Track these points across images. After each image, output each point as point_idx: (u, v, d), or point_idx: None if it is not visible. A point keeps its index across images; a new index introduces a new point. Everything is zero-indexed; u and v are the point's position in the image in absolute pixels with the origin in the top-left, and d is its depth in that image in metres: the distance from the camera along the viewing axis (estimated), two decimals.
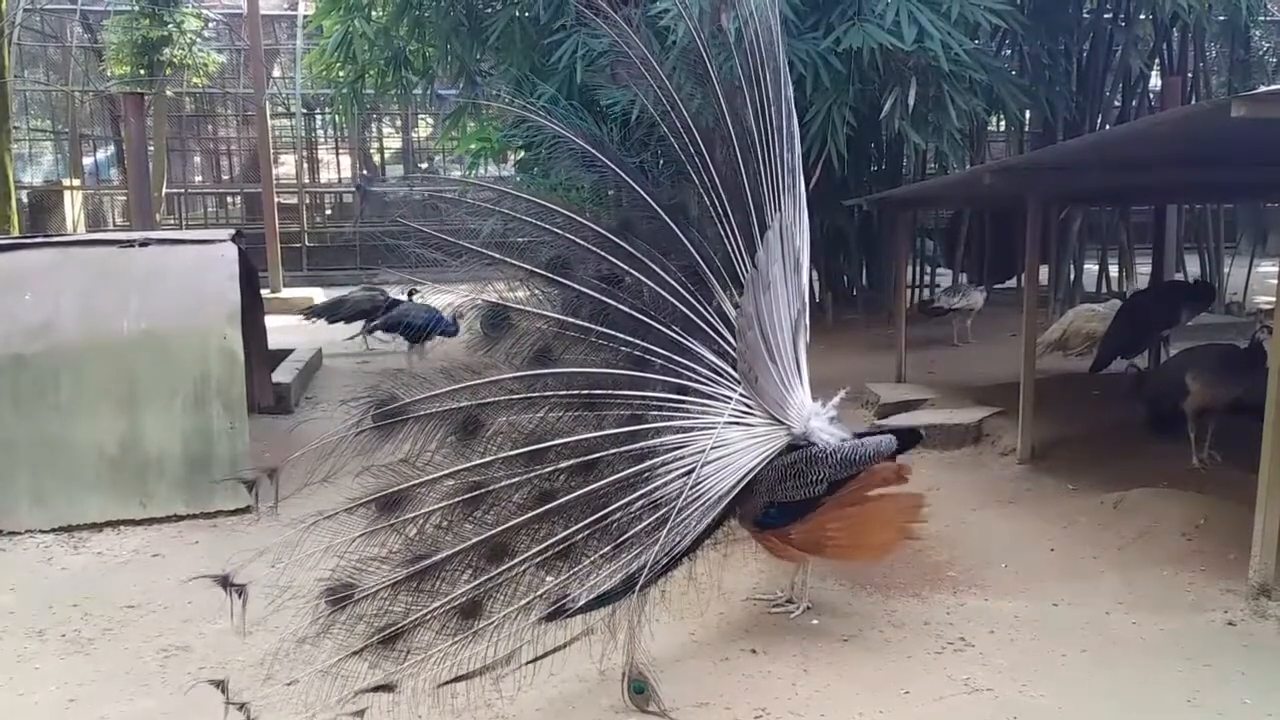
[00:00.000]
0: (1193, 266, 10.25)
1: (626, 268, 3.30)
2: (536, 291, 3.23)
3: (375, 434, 2.86)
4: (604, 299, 3.25)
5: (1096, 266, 11.31)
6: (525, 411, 3.07)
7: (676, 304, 3.32)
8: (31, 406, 4.91)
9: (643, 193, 3.39)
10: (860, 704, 3.05)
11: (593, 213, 3.40)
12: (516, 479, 2.96)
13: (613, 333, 3.23)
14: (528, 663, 2.88)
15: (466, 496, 2.89)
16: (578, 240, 3.28)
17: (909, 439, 3.62)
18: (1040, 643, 3.43)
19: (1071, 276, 10.87)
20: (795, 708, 3.03)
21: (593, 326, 3.23)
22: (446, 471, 2.90)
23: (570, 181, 3.66)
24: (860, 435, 3.46)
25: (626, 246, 3.31)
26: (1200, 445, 5.05)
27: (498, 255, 3.17)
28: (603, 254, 3.29)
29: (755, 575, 3.96)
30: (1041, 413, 5.50)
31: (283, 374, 7.41)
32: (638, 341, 3.24)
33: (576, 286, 3.24)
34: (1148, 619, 3.58)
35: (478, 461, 2.94)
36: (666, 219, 3.38)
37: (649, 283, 3.31)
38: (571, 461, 3.03)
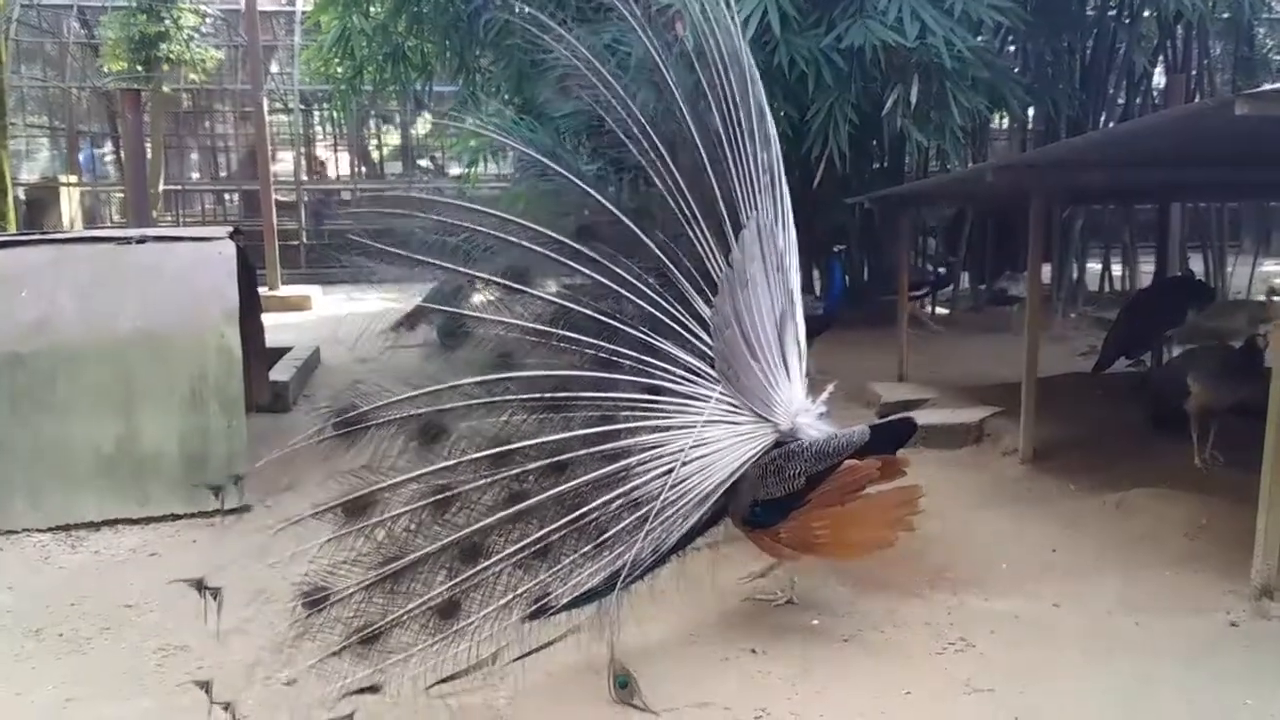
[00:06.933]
0: (1196, 265, 10.22)
1: (587, 271, 3.29)
2: (493, 298, 3.23)
3: (337, 442, 2.90)
4: (563, 303, 3.25)
5: (1100, 265, 11.29)
6: (488, 415, 3.08)
7: (644, 305, 3.31)
8: (28, 405, 4.89)
9: (600, 198, 3.38)
10: (860, 704, 3.04)
11: (549, 218, 3.39)
12: (483, 481, 2.97)
13: (575, 335, 3.23)
14: (513, 660, 2.92)
15: (434, 499, 2.91)
16: (533, 247, 3.26)
17: (905, 431, 3.59)
18: (1041, 643, 3.42)
19: (1074, 275, 10.85)
20: (795, 708, 3.02)
21: (553, 330, 3.23)
22: (408, 476, 2.92)
23: (535, 190, 3.69)
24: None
25: (586, 251, 3.30)
26: (1202, 446, 5.03)
27: (450, 265, 3.15)
28: (561, 259, 3.28)
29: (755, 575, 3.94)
30: (1043, 412, 5.48)
31: (280, 372, 7.37)
32: (603, 344, 3.24)
33: (534, 292, 3.24)
34: (1149, 620, 3.56)
35: (441, 465, 2.95)
36: (628, 223, 3.37)
37: (612, 285, 3.30)
38: (540, 463, 3.04)
